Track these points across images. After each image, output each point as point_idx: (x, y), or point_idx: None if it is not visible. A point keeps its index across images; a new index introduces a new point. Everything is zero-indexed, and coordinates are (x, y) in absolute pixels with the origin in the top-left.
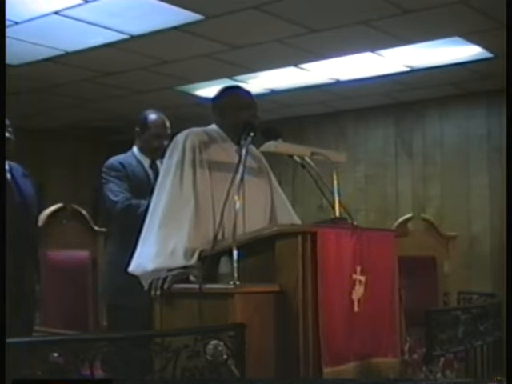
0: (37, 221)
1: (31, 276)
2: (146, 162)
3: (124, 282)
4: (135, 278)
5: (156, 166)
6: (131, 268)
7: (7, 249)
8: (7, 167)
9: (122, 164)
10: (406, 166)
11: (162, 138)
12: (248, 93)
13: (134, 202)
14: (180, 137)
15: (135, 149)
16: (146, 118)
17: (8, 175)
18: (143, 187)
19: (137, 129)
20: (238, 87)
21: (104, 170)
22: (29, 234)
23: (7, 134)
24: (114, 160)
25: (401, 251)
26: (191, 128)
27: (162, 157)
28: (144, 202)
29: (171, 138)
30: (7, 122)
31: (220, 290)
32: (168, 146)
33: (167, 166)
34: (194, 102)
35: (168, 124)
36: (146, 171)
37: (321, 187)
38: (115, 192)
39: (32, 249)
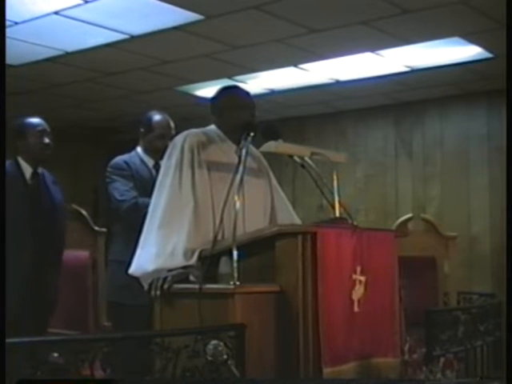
0: (65, 226)
1: (55, 280)
2: (150, 163)
3: (130, 280)
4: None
5: (159, 166)
6: (131, 269)
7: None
8: (40, 172)
9: (126, 163)
10: (406, 166)
11: (167, 138)
12: (246, 92)
13: (141, 200)
14: (178, 138)
15: (139, 149)
16: (150, 119)
17: (41, 180)
18: (148, 187)
19: (141, 129)
20: (236, 87)
21: (109, 169)
22: (56, 239)
23: (48, 140)
24: (119, 159)
25: (401, 251)
26: (190, 129)
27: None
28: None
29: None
30: (48, 128)
31: (220, 290)
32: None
33: (166, 167)
34: (195, 102)
35: (172, 125)
36: (150, 171)
37: (321, 187)
38: (121, 191)
39: (58, 254)
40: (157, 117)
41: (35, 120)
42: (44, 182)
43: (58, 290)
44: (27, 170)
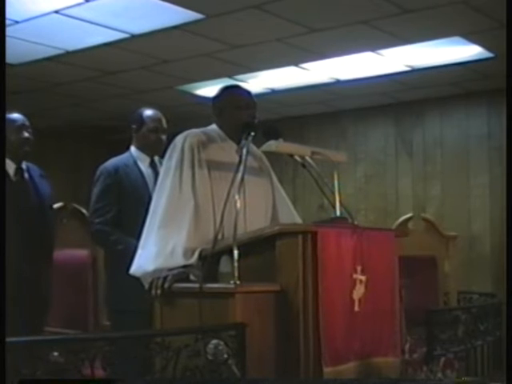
0: (53, 221)
1: (47, 276)
2: (146, 161)
3: (129, 286)
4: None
5: (155, 164)
6: (132, 270)
7: (16, 248)
8: (25, 167)
9: (115, 168)
10: (406, 166)
11: (160, 131)
12: (247, 92)
13: (113, 237)
14: (179, 138)
15: (133, 148)
16: (141, 115)
17: (26, 175)
18: (139, 189)
19: (133, 126)
20: (236, 86)
21: (97, 172)
22: (45, 234)
23: (27, 135)
24: (109, 163)
25: (401, 251)
26: (190, 129)
27: (160, 155)
28: (129, 240)
29: (171, 137)
30: (27, 122)
31: (220, 290)
32: (167, 146)
33: (166, 167)
34: (195, 102)
35: (163, 119)
36: (141, 172)
37: (321, 187)
38: (97, 206)
39: (48, 249)
40: (147, 112)
41: (14, 116)
42: (30, 177)
43: (51, 286)
44: (10, 167)
